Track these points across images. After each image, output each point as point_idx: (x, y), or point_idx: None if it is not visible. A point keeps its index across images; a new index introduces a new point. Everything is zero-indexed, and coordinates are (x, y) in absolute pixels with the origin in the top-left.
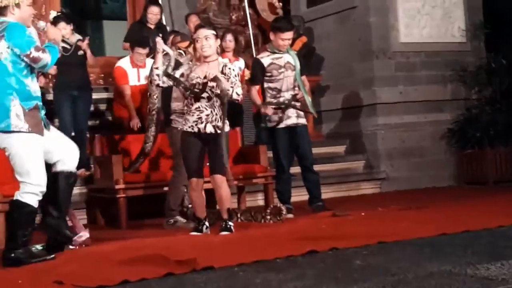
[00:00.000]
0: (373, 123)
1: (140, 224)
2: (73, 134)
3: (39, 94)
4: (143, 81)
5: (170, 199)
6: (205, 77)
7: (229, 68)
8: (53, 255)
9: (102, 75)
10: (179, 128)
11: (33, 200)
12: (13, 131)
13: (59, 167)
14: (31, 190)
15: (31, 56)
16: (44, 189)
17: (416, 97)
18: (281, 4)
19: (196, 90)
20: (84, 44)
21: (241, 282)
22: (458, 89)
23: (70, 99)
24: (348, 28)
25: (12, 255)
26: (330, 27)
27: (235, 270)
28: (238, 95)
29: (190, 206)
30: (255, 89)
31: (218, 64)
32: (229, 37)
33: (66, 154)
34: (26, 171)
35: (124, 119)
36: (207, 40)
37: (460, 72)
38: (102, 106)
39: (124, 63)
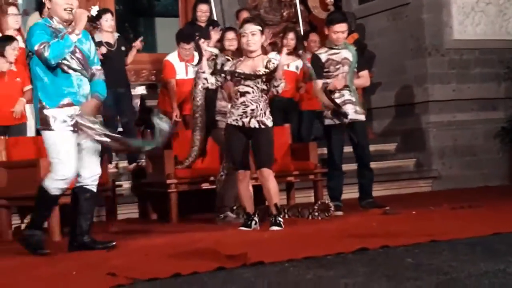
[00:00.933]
0: (425, 120)
1: (190, 218)
2: (120, 129)
3: (73, 90)
4: (191, 75)
5: (224, 195)
6: (267, 67)
7: (273, 63)
8: (114, 242)
9: (154, 71)
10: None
11: (59, 189)
12: (43, 129)
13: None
14: (57, 180)
15: (37, 52)
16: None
17: (469, 95)
18: (332, 0)
19: (258, 75)
20: (138, 44)
21: (292, 278)
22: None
23: (111, 93)
24: (400, 25)
25: (75, 244)
26: (382, 24)
27: (285, 265)
28: (279, 92)
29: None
30: (318, 85)
31: (262, 59)
32: (291, 35)
33: (87, 170)
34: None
35: (168, 113)
36: (253, 35)
37: None
38: (154, 102)
39: (172, 58)
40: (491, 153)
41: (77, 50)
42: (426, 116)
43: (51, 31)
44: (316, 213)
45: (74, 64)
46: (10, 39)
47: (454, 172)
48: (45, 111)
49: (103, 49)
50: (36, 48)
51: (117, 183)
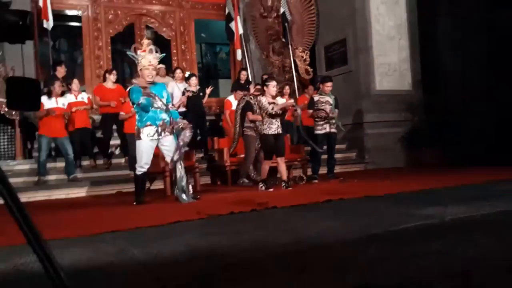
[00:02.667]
0: (363, 132)
1: (236, 184)
2: (199, 138)
3: (153, 117)
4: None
5: (241, 171)
6: (283, 108)
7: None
8: (199, 196)
9: (218, 107)
10: (250, 134)
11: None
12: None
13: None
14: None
15: (133, 103)
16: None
17: (385, 118)
18: (312, 69)
19: (278, 113)
20: (209, 90)
21: (292, 216)
22: None
23: (195, 119)
24: (348, 82)
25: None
26: (338, 81)
27: (288, 209)
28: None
29: (254, 174)
30: (309, 112)
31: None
32: (287, 87)
33: (169, 157)
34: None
35: (226, 129)
36: (274, 87)
37: None
38: (216, 124)
39: (230, 98)
40: (396, 149)
41: (157, 97)
42: (363, 129)
43: (140, 89)
44: (303, 182)
45: (155, 104)
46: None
47: (377, 160)
48: (139, 130)
49: (190, 94)
50: (132, 103)
51: (198, 165)
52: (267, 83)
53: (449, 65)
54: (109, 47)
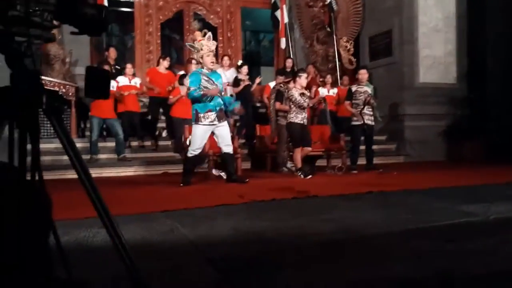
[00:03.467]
0: (403, 124)
1: (275, 170)
2: (242, 124)
3: (213, 103)
4: None
5: (278, 158)
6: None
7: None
8: (247, 179)
9: (260, 94)
10: (281, 123)
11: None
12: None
13: (222, 149)
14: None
15: (187, 89)
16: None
17: (427, 111)
18: (355, 59)
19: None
20: (258, 80)
21: (333, 206)
22: None
23: (243, 106)
24: (391, 73)
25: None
26: (381, 72)
27: (326, 198)
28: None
29: (291, 165)
30: (347, 104)
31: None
32: (329, 76)
33: (223, 144)
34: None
35: (270, 115)
36: (306, 79)
37: None
38: (261, 110)
39: (271, 84)
40: (437, 143)
41: (215, 84)
42: (403, 122)
43: (201, 76)
44: (341, 172)
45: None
46: (185, 75)
47: (417, 152)
48: (198, 114)
49: (248, 82)
50: (188, 86)
51: (240, 150)
52: (299, 74)
53: (495, 60)
54: (159, 33)
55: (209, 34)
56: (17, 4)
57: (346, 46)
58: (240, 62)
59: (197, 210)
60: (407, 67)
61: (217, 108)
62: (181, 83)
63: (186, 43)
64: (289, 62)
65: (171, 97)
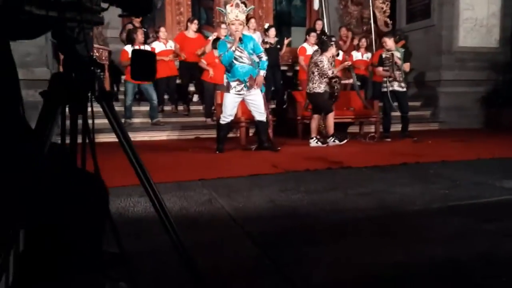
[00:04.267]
0: (438, 90)
1: (306, 137)
2: (273, 88)
3: (240, 73)
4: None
5: (311, 125)
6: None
7: None
8: (279, 148)
9: (291, 57)
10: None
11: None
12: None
13: (255, 117)
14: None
15: (219, 57)
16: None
17: (464, 77)
18: (391, 21)
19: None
20: (286, 41)
21: (368, 178)
22: None
23: (271, 71)
24: (429, 37)
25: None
26: (418, 35)
27: (362, 169)
28: None
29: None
30: (379, 69)
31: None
32: (363, 40)
33: (255, 112)
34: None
35: (301, 81)
36: (334, 50)
37: None
38: (291, 73)
39: (305, 44)
40: (474, 110)
41: (244, 52)
42: (439, 88)
43: (227, 44)
44: (372, 140)
45: (242, 59)
46: (218, 39)
47: (453, 119)
48: (227, 82)
49: (267, 45)
50: (218, 54)
51: (272, 117)
52: (330, 43)
53: None
54: None
55: (237, 1)
56: None
57: (382, 8)
58: (267, 25)
59: (233, 180)
60: (446, 30)
61: (246, 78)
62: (215, 47)
63: (217, 8)
64: (319, 24)
65: (203, 61)
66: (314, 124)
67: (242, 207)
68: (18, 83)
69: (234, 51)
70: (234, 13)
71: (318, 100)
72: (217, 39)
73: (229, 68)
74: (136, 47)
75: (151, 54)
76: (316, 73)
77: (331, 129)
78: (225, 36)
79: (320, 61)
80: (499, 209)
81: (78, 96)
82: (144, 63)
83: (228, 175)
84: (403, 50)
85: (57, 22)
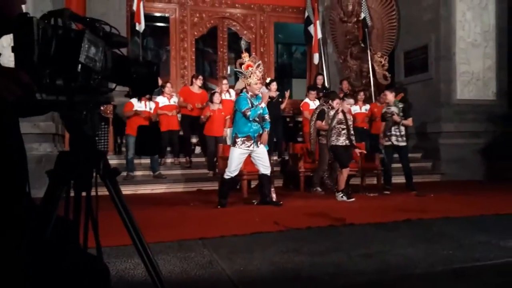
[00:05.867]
0: (439, 142)
1: (308, 189)
2: (274, 140)
3: (251, 130)
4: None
5: (315, 177)
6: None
7: None
8: (281, 202)
9: (292, 109)
10: (324, 142)
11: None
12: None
13: (260, 170)
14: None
15: (243, 112)
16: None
17: (464, 129)
18: (390, 75)
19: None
20: (287, 95)
21: (371, 237)
22: None
23: (273, 123)
24: (427, 90)
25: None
26: (417, 88)
27: (367, 228)
28: None
29: (329, 182)
30: (383, 124)
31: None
32: (362, 93)
33: (261, 166)
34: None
35: (305, 133)
36: (338, 103)
37: None
38: (291, 125)
39: (307, 100)
40: (475, 161)
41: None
42: (440, 139)
43: (248, 100)
44: (373, 193)
45: (256, 118)
46: (214, 93)
47: (454, 171)
48: (237, 138)
49: (269, 99)
50: (243, 110)
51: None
52: (345, 99)
53: None
54: (194, 49)
55: (259, 62)
56: (79, 75)
57: (381, 62)
58: (269, 80)
59: (234, 239)
60: (443, 83)
61: (255, 135)
62: (211, 100)
63: (235, 69)
64: (319, 79)
65: (202, 116)
66: (344, 177)
67: (243, 270)
68: (26, 159)
69: (262, 108)
70: (257, 75)
71: (340, 153)
72: (214, 92)
73: (240, 124)
74: (142, 102)
75: (156, 130)
76: (333, 128)
77: (342, 184)
78: (242, 92)
79: (328, 112)
80: (504, 273)
81: (84, 175)
82: (149, 138)
83: (229, 233)
84: (401, 105)
85: (66, 105)
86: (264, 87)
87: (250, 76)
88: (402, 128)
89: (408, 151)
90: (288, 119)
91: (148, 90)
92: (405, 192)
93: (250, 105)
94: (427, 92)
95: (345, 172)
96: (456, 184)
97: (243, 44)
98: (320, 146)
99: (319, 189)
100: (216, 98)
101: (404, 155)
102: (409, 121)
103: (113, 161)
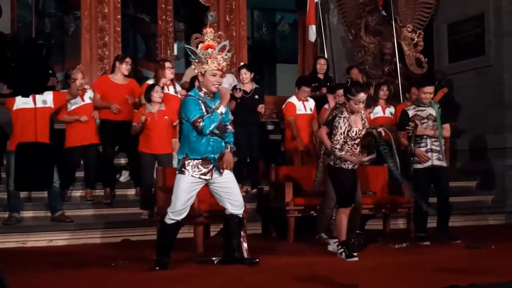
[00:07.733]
0: (503, 163)
1: (303, 237)
2: (248, 160)
3: (209, 149)
4: (309, 111)
5: (319, 219)
6: (371, 127)
7: (365, 121)
8: (257, 259)
9: (275, 110)
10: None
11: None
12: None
13: (227, 209)
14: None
15: (193, 123)
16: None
17: None
18: (426, 59)
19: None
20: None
21: None
22: None
23: (245, 132)
24: (484, 82)
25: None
26: (468, 80)
27: None
28: None
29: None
30: (400, 135)
31: (361, 115)
32: (385, 88)
33: (227, 203)
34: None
35: (291, 151)
36: (363, 103)
37: None
38: (276, 137)
39: (293, 99)
40: None
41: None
42: (503, 159)
43: (200, 103)
44: (402, 244)
45: (215, 130)
46: (153, 86)
47: None
48: (186, 160)
49: (238, 94)
50: (192, 121)
51: (245, 204)
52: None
53: None
54: (119, 16)
55: (225, 43)
56: None
57: (413, 39)
58: (242, 64)
59: None
60: (508, 72)
61: (215, 156)
62: (148, 99)
63: (186, 46)
64: (321, 64)
65: (134, 123)
66: (343, 222)
67: None
68: None
69: (221, 114)
70: (217, 60)
71: (344, 182)
72: (151, 86)
73: (191, 139)
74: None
75: (49, 149)
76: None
77: (341, 232)
78: (192, 89)
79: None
80: None
81: None
82: (36, 163)
83: None
84: (438, 105)
85: None
86: (230, 76)
87: (207, 62)
88: (442, 142)
89: (448, 176)
90: (269, 128)
91: (36, 87)
92: (447, 243)
93: (203, 110)
94: (483, 86)
95: (343, 213)
96: None
97: (211, 16)
98: (327, 171)
99: (324, 235)
100: (156, 93)
101: (443, 182)
102: (445, 129)
103: None
